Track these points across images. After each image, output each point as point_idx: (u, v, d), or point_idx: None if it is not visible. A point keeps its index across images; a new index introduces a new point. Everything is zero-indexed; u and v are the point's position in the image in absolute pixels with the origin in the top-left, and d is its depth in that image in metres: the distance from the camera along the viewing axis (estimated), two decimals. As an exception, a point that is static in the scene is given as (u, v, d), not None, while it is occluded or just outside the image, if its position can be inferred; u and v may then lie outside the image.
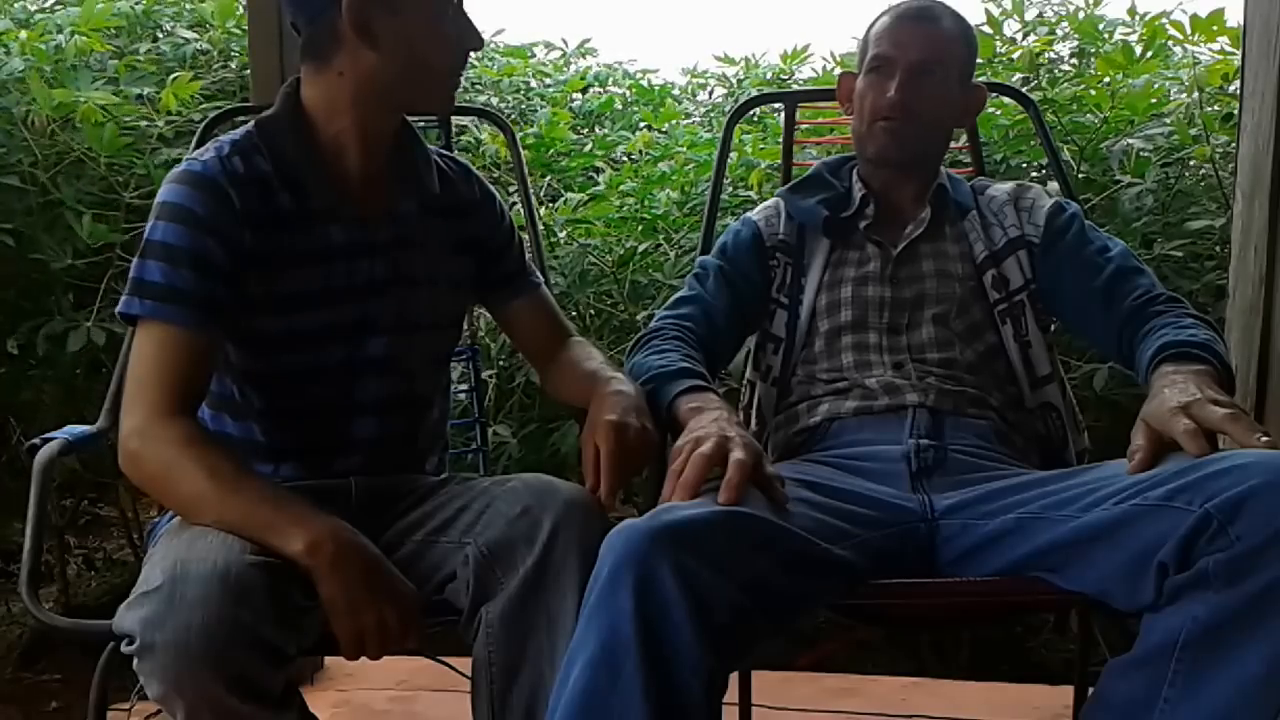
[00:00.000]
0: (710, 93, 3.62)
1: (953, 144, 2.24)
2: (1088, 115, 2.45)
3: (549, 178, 2.84)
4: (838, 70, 2.36)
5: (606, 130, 3.24)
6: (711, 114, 3.38)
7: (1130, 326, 1.39)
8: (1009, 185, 1.58)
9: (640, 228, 2.58)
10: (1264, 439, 1.09)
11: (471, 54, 1.36)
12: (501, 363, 2.40)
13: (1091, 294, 1.44)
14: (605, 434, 1.22)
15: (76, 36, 2.56)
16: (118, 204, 2.36)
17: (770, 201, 1.65)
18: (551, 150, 2.92)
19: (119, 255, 2.30)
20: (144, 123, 2.40)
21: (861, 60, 1.55)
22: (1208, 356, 1.25)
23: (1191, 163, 2.40)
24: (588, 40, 3.67)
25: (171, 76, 2.51)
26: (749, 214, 1.64)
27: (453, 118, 1.94)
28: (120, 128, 2.37)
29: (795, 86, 3.25)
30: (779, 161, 1.96)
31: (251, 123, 1.32)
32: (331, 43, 1.26)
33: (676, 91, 3.57)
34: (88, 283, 2.33)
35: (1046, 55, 2.64)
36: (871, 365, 1.47)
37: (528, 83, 3.42)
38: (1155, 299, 1.40)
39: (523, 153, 1.89)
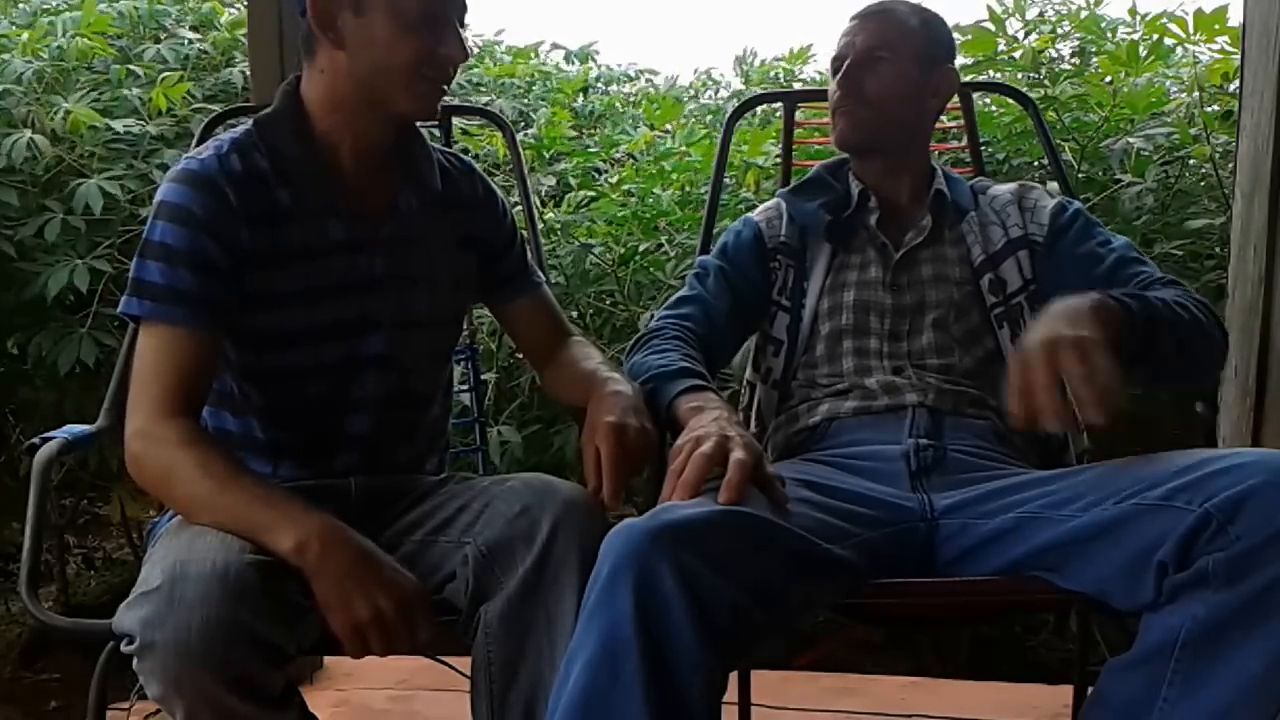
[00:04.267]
0: (716, 92, 3.63)
1: (953, 143, 2.26)
2: (1089, 114, 2.45)
3: (550, 178, 2.84)
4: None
5: (608, 130, 3.24)
6: (716, 115, 3.38)
7: None
8: (1012, 185, 1.58)
9: (641, 227, 2.58)
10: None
11: (464, 64, 1.35)
12: (504, 364, 2.40)
13: (1093, 283, 1.42)
14: (605, 435, 1.21)
15: (79, 40, 2.56)
16: (114, 207, 2.36)
17: (771, 202, 1.65)
18: (552, 150, 2.92)
19: (116, 258, 2.30)
20: (139, 128, 2.40)
21: None
22: (1122, 299, 1.22)
23: (1191, 162, 2.40)
24: (594, 43, 3.69)
25: (160, 76, 2.50)
26: (749, 214, 1.64)
27: (454, 119, 1.94)
28: (111, 136, 2.37)
29: (797, 85, 3.25)
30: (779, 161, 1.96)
31: (251, 121, 1.32)
32: (312, 40, 1.28)
33: (679, 92, 3.58)
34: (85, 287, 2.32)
35: (1048, 53, 2.64)
36: (871, 370, 1.47)
37: (530, 84, 3.43)
38: (1155, 282, 1.39)
39: (522, 153, 1.89)
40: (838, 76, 1.53)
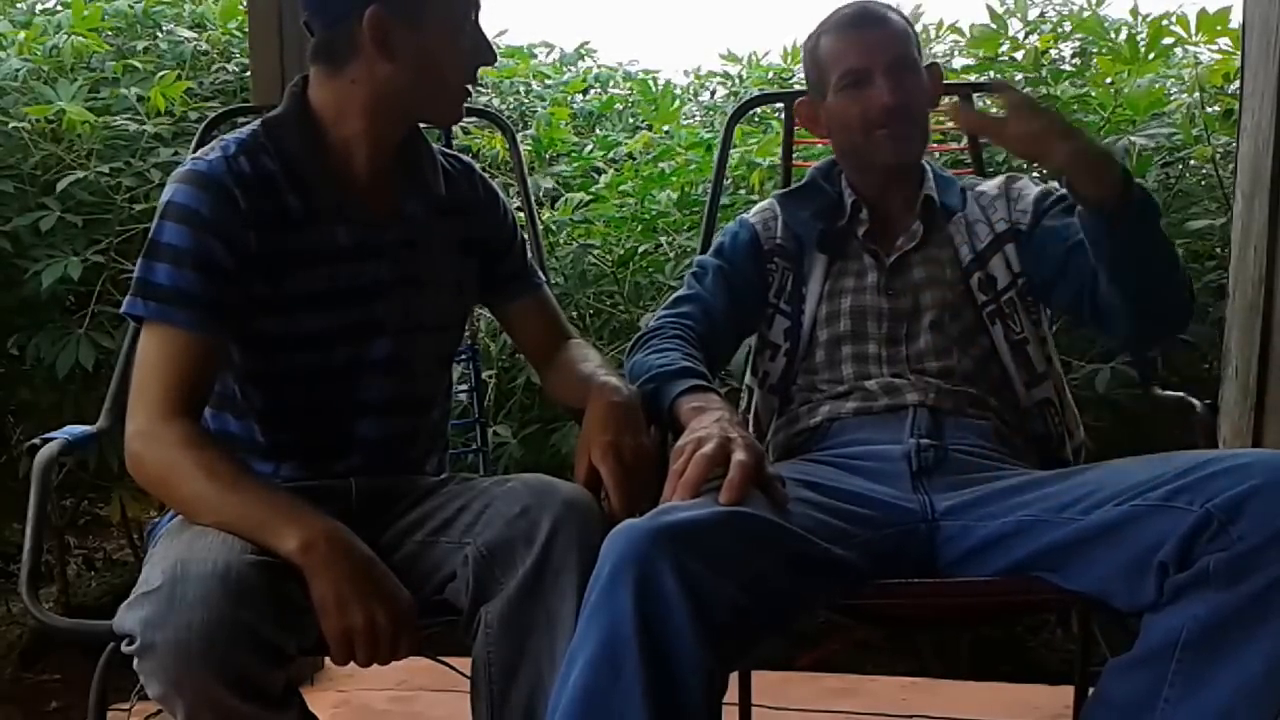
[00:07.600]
0: (713, 92, 3.62)
1: (953, 144, 2.26)
2: (1090, 115, 2.45)
3: (549, 178, 2.83)
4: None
5: (607, 131, 3.24)
6: (711, 114, 3.38)
7: None
8: (999, 179, 1.56)
9: (640, 228, 2.58)
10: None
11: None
12: (502, 363, 2.40)
13: (1073, 247, 1.39)
14: (602, 457, 1.22)
15: (74, 38, 2.56)
16: (111, 206, 2.35)
17: (766, 203, 1.64)
18: (551, 151, 2.92)
19: (113, 259, 2.29)
20: (135, 125, 2.39)
21: (823, 83, 1.51)
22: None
23: (1192, 162, 2.40)
24: (587, 43, 3.68)
25: (158, 75, 2.50)
26: (745, 215, 1.63)
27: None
28: (110, 133, 2.36)
29: (797, 85, 3.24)
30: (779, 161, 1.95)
31: (258, 122, 1.31)
32: (348, 50, 1.26)
33: (678, 91, 3.57)
34: (83, 287, 2.32)
35: (1050, 54, 2.64)
36: (871, 375, 1.47)
37: (528, 84, 3.43)
38: None
39: (522, 153, 1.89)
40: (889, 95, 1.44)
